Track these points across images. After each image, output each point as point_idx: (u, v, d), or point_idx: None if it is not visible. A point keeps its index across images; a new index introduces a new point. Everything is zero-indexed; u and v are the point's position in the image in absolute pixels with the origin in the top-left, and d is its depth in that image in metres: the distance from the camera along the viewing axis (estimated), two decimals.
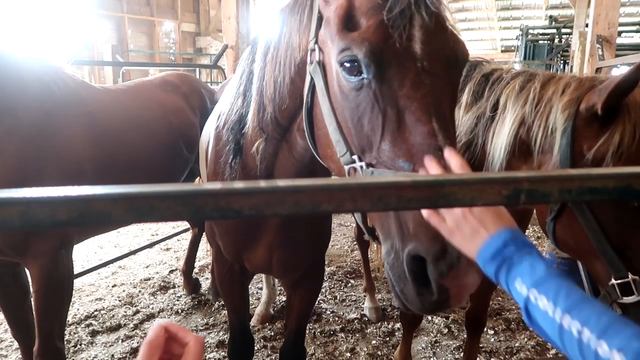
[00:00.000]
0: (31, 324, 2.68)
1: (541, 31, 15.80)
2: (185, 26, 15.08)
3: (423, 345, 3.53)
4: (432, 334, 3.66)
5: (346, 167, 1.24)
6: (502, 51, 22.27)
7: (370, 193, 0.63)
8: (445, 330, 3.70)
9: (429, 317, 3.86)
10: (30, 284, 2.29)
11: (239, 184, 0.62)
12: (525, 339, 3.60)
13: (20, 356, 2.98)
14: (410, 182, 0.65)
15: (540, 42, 14.74)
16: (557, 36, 14.81)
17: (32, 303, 2.32)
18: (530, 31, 15.38)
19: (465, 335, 3.54)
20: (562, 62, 13.45)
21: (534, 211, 2.29)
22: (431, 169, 1.04)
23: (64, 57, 2.63)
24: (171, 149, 3.04)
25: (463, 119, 1.89)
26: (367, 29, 1.21)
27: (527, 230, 3.08)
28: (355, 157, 1.22)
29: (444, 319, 3.87)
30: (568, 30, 14.34)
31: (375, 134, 1.19)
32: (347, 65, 1.21)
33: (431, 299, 1.07)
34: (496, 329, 3.74)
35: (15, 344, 3.32)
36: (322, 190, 0.63)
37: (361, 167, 1.19)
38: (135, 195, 0.59)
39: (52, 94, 2.27)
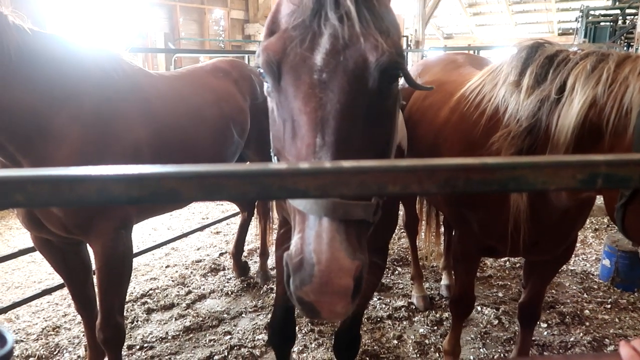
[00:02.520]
0: (93, 300, 2.83)
1: (603, 12, 14.90)
2: (235, 13, 15.24)
3: (472, 336, 3.46)
4: (481, 325, 3.59)
5: None
6: (559, 34, 21.23)
7: (438, 175, 0.62)
8: (496, 322, 3.62)
9: (479, 308, 3.79)
10: (93, 261, 2.41)
11: (304, 165, 0.61)
12: (581, 334, 3.47)
13: (82, 329, 3.16)
14: (480, 164, 0.62)
15: (602, 24, 13.91)
16: (620, 17, 13.91)
17: (95, 280, 2.44)
18: (591, 12, 14.54)
19: (516, 328, 3.46)
20: (626, 45, 12.66)
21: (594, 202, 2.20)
22: None
23: (121, 45, 2.72)
24: (222, 134, 3.09)
25: (524, 104, 1.81)
26: (273, 38, 1.19)
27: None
28: (275, 158, 1.31)
29: (495, 310, 3.78)
30: (633, 11, 13.45)
31: (280, 140, 1.22)
32: (259, 71, 1.24)
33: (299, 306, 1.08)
34: (549, 322, 3.62)
35: (78, 318, 3.52)
36: (388, 172, 0.62)
37: None
38: (204, 174, 0.60)
39: (111, 81, 2.35)
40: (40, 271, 4.57)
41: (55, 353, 3.28)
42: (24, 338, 3.45)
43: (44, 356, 3.24)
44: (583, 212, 2.20)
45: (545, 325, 3.59)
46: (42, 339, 3.44)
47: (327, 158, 1.07)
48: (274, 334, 2.48)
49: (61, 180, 0.57)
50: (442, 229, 4.43)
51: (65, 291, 3.80)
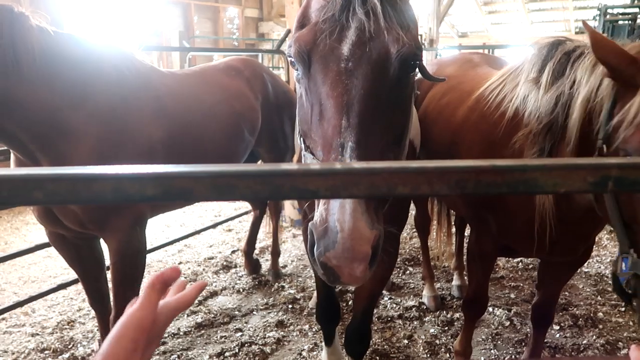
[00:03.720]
0: (106, 295, 2.87)
1: (622, 10, 14.66)
2: (249, 12, 15.30)
3: (483, 337, 3.45)
4: (493, 326, 3.57)
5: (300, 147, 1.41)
6: (576, 33, 20.92)
7: (448, 177, 0.62)
8: (507, 323, 3.60)
9: (490, 309, 3.77)
10: (108, 257, 2.45)
11: (315, 165, 0.62)
12: (594, 337, 3.43)
13: (96, 324, 3.21)
14: (489, 166, 0.63)
15: (620, 22, 13.69)
16: (639, 15, 13.69)
17: (110, 275, 2.48)
18: (609, 10, 14.31)
19: (528, 329, 3.43)
20: None
21: None
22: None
23: (135, 43, 2.75)
24: (233, 132, 3.12)
25: (542, 100, 1.81)
26: (304, 30, 1.32)
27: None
28: (301, 139, 1.42)
29: (506, 311, 3.76)
30: None
31: (307, 123, 1.34)
32: (290, 60, 1.37)
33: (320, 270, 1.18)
34: (562, 324, 3.59)
35: (92, 313, 3.57)
36: (398, 173, 0.62)
37: (302, 149, 1.39)
38: (216, 173, 0.61)
39: (126, 80, 2.39)
40: (55, 266, 4.64)
41: (69, 347, 3.34)
42: (40, 331, 3.52)
43: (58, 349, 3.29)
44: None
45: (558, 327, 3.56)
46: (57, 332, 3.50)
47: (351, 138, 1.19)
48: (320, 314, 2.81)
49: (79, 178, 0.59)
50: (454, 229, 4.42)
51: (79, 286, 3.84)
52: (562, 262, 2.41)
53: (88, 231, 2.36)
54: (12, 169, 0.59)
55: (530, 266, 4.60)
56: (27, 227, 5.85)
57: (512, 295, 4.06)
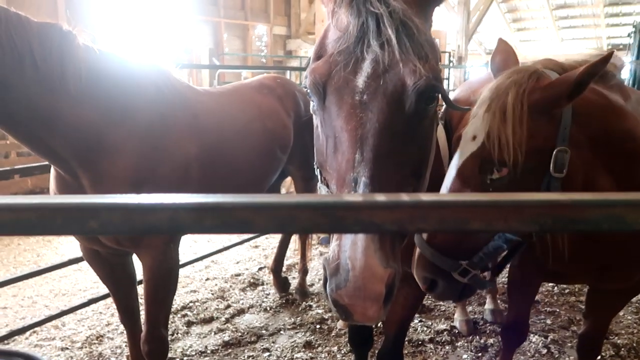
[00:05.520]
0: (136, 312, 2.87)
1: None
2: (277, 29, 15.52)
3: None
4: (529, 354, 3.43)
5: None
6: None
7: (526, 212, 0.57)
8: (544, 351, 3.45)
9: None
10: (142, 273, 2.44)
11: (381, 197, 0.59)
12: None
13: (125, 339, 3.21)
14: (569, 200, 0.58)
15: None
16: None
17: (143, 291, 2.47)
18: None
19: (567, 359, 3.29)
20: None
21: None
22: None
23: (169, 61, 2.79)
24: (266, 150, 3.11)
25: None
26: (320, 62, 1.30)
27: None
28: (317, 170, 1.41)
29: (543, 338, 3.61)
30: None
31: (322, 155, 1.33)
32: (307, 91, 1.34)
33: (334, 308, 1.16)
34: (604, 354, 3.42)
35: (121, 328, 3.58)
36: (470, 207, 0.58)
37: (319, 180, 1.39)
38: (277, 205, 0.57)
39: (164, 97, 2.41)
40: (85, 279, 4.69)
41: None
42: (69, 346, 3.54)
43: None
44: None
45: (599, 358, 3.39)
46: (86, 347, 3.51)
47: (364, 173, 1.16)
48: (351, 337, 2.78)
49: (134, 208, 0.57)
50: None
51: (109, 301, 3.88)
52: (614, 290, 2.27)
53: (123, 248, 2.37)
54: (65, 197, 0.57)
55: (567, 290, 4.43)
56: (58, 239, 5.96)
57: (549, 321, 3.91)
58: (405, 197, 0.59)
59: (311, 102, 1.38)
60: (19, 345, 3.53)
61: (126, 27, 10.33)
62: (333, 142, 1.26)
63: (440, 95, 1.34)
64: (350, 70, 1.24)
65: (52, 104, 1.92)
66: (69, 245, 5.60)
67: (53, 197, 0.56)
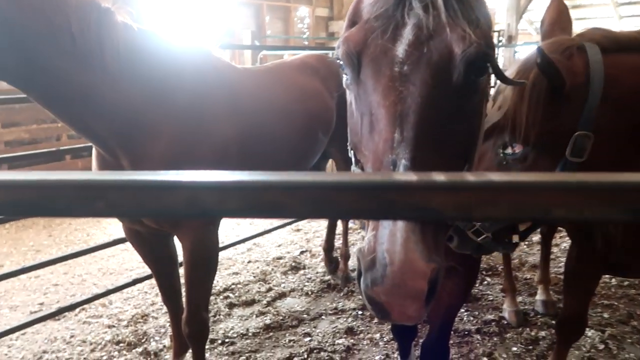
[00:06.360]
0: (178, 293, 2.88)
1: None
2: (319, 11, 15.29)
3: None
4: (584, 349, 3.23)
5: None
6: None
7: (626, 197, 0.45)
8: (602, 346, 3.24)
9: None
10: (182, 255, 2.43)
11: (439, 176, 0.48)
12: None
13: (168, 319, 3.24)
14: None
15: None
16: None
17: (184, 273, 2.46)
18: None
19: (627, 356, 3.08)
20: None
21: None
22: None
23: (210, 42, 2.72)
24: (307, 132, 3.03)
25: None
26: (354, 29, 1.15)
27: None
28: (351, 152, 1.27)
29: (600, 332, 3.39)
30: None
31: (357, 135, 1.19)
32: (340, 63, 1.20)
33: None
34: None
35: (165, 308, 3.63)
36: (553, 190, 0.46)
37: (353, 162, 1.27)
38: (312, 184, 0.48)
39: (204, 77, 2.35)
40: (132, 259, 4.79)
41: (143, 341, 3.40)
42: (116, 323, 3.62)
43: (132, 343, 3.36)
44: None
45: None
46: (131, 325, 3.58)
47: (404, 154, 1.02)
48: (394, 326, 2.65)
49: (147, 187, 0.48)
50: (538, 237, 4.08)
51: (153, 281, 3.93)
52: None
53: (163, 229, 2.36)
54: (69, 173, 0.50)
55: (626, 283, 4.14)
56: (107, 220, 6.13)
57: (606, 315, 3.66)
58: (470, 176, 0.48)
59: (344, 76, 1.23)
60: (69, 322, 3.65)
61: (168, 8, 10.43)
62: (369, 119, 1.12)
63: (491, 67, 1.17)
64: (389, 38, 1.09)
65: (90, 81, 1.89)
66: (117, 226, 5.74)
67: (55, 174, 0.49)
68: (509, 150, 1.46)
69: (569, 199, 0.46)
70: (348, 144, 1.33)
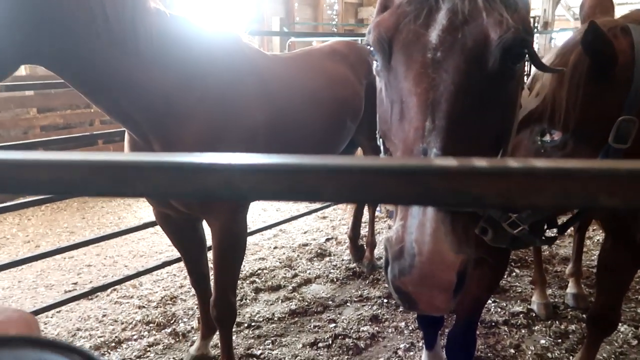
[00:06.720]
0: (206, 276, 2.93)
1: None
2: None
3: (605, 355, 3.05)
4: (616, 344, 3.16)
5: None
6: None
7: None
8: (635, 342, 3.16)
9: None
10: (211, 239, 2.47)
11: (481, 162, 0.46)
12: None
13: (196, 302, 3.31)
14: None
15: None
16: None
17: (212, 257, 2.50)
18: None
19: None
20: None
21: None
22: None
23: (240, 28, 2.72)
24: (335, 119, 3.01)
25: None
26: (385, 14, 1.12)
27: None
28: (380, 140, 1.26)
29: (633, 328, 3.31)
30: None
31: (387, 123, 1.17)
32: (370, 49, 1.18)
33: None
34: None
35: (193, 291, 3.70)
36: (604, 177, 0.44)
37: (382, 150, 1.25)
38: (348, 168, 0.47)
39: (234, 63, 2.36)
40: (161, 242, 4.90)
41: (171, 322, 3.48)
42: (146, 304, 3.71)
43: (162, 323, 3.45)
44: None
45: None
46: (160, 307, 3.67)
47: (436, 144, 1.00)
48: (420, 316, 2.67)
49: (187, 168, 0.48)
50: (571, 230, 3.98)
51: (182, 264, 4.01)
52: None
53: (193, 212, 2.39)
54: (105, 154, 0.50)
55: None
56: (137, 203, 6.27)
57: None
58: (513, 163, 0.46)
59: (374, 63, 1.21)
60: (101, 301, 3.77)
61: None
62: (399, 107, 1.10)
63: (528, 54, 1.12)
64: (422, 23, 1.06)
65: (124, 65, 1.91)
66: (147, 210, 5.87)
67: (96, 154, 0.50)
68: (547, 138, 1.41)
69: (617, 187, 0.44)
70: (377, 132, 1.31)
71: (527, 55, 1.13)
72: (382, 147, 1.27)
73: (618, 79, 1.38)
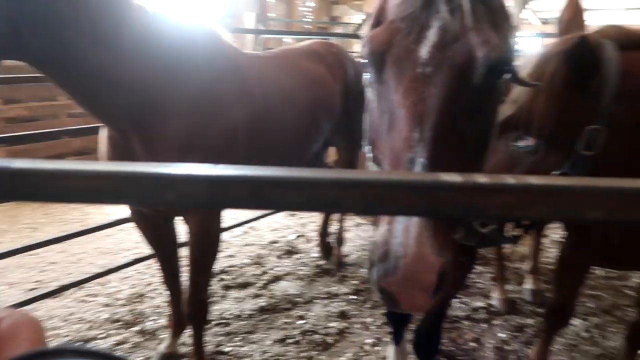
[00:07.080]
0: (177, 275, 2.92)
1: None
2: None
3: (558, 347, 3.23)
4: (568, 336, 3.34)
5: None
6: None
7: None
8: (586, 335, 3.36)
9: None
10: (188, 237, 2.47)
11: (483, 178, 0.52)
12: None
13: (164, 300, 3.29)
14: None
15: None
16: None
17: (188, 255, 2.49)
18: None
19: (608, 344, 3.21)
20: None
21: None
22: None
23: (216, 25, 2.72)
24: (311, 119, 3.06)
25: None
26: (379, 28, 1.18)
27: None
28: (368, 148, 1.30)
29: (583, 321, 3.51)
30: None
31: (376, 132, 1.23)
32: (362, 61, 1.24)
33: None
34: None
35: (161, 288, 3.68)
36: (588, 193, 0.51)
37: (369, 158, 1.30)
38: (369, 182, 0.52)
39: (215, 61, 2.37)
40: (129, 239, 4.81)
41: (139, 320, 3.44)
42: (112, 302, 3.66)
43: (129, 322, 3.40)
44: None
45: None
46: (128, 305, 3.63)
47: (422, 153, 1.05)
48: (389, 313, 2.77)
49: (215, 180, 0.52)
50: None
51: (149, 261, 3.97)
52: None
53: (170, 211, 2.39)
54: (138, 165, 0.53)
55: (612, 274, 4.28)
56: None
57: (591, 305, 3.79)
58: (511, 179, 0.52)
59: (365, 74, 1.27)
60: (66, 300, 3.68)
61: None
62: (389, 118, 1.16)
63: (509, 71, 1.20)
64: (414, 39, 1.12)
65: (106, 61, 1.89)
66: (113, 206, 5.74)
67: (127, 165, 0.53)
68: (521, 143, 1.51)
69: (604, 202, 0.51)
70: (364, 140, 1.37)
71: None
72: (370, 155, 1.32)
73: (592, 90, 1.49)
